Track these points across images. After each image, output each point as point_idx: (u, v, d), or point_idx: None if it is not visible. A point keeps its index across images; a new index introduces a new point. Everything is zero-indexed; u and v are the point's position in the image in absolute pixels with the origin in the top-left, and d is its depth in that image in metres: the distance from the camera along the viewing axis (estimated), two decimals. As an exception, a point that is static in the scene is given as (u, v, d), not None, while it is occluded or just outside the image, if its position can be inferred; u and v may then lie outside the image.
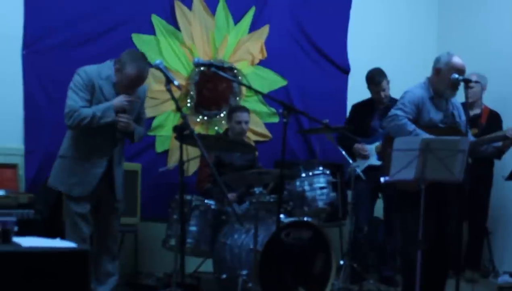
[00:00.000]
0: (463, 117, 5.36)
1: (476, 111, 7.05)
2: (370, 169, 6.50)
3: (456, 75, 5.15)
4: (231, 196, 5.94)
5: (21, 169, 6.27)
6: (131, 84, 4.97)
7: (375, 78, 6.77)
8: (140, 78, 4.98)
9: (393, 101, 6.61)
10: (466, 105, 5.34)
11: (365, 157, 6.63)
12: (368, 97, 6.94)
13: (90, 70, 5.01)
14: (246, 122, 6.43)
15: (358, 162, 6.58)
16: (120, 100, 4.96)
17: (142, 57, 5.04)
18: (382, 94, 6.73)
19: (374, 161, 6.67)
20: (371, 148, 6.70)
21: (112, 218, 5.19)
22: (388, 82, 6.77)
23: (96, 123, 4.89)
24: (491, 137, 5.50)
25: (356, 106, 7.06)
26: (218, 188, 5.89)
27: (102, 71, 5.02)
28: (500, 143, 5.44)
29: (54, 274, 2.78)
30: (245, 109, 6.48)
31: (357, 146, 6.66)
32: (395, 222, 6.65)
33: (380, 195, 6.86)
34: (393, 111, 5.27)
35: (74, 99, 4.93)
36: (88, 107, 4.93)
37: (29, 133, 6.34)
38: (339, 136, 6.70)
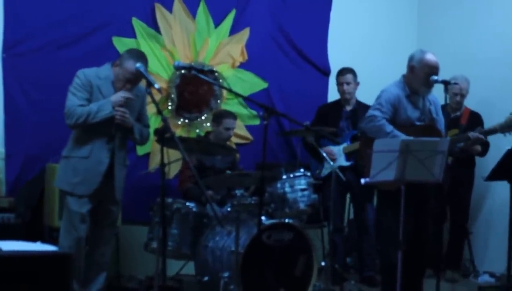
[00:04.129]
0: (440, 114, 5.41)
1: (457, 113, 7.10)
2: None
3: (435, 77, 5.19)
4: (210, 193, 5.96)
5: (2, 172, 6.25)
6: (130, 79, 5.06)
7: (342, 70, 6.96)
8: (139, 74, 5.04)
9: (360, 105, 6.71)
10: (446, 107, 5.38)
11: (333, 160, 6.65)
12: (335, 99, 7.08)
13: (88, 72, 5.14)
14: (233, 129, 6.48)
15: (325, 165, 6.61)
16: (118, 95, 5.04)
17: (143, 54, 5.17)
18: (346, 88, 6.83)
19: (342, 161, 6.72)
20: (339, 149, 6.76)
21: (105, 220, 5.27)
22: (355, 80, 6.91)
23: (93, 118, 4.98)
24: (455, 138, 5.58)
25: (322, 108, 7.12)
26: (199, 188, 5.91)
27: (100, 72, 5.16)
28: (462, 144, 5.51)
29: (35, 278, 2.77)
30: (235, 117, 6.51)
31: (325, 149, 6.69)
32: (366, 221, 6.71)
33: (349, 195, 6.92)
34: (370, 112, 5.30)
35: (71, 100, 5.05)
36: (85, 105, 5.02)
37: (9, 137, 6.31)
38: (303, 140, 6.75)
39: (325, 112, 7.03)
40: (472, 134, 5.48)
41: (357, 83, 6.95)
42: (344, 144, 6.75)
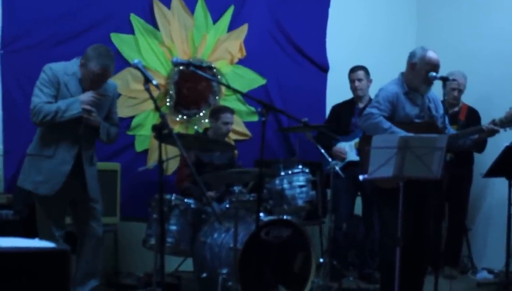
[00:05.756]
0: (441, 111, 5.38)
1: (455, 109, 7.11)
2: (350, 165, 6.57)
3: (434, 73, 5.17)
4: (210, 194, 5.96)
5: (0, 169, 6.24)
6: (94, 80, 4.95)
7: (353, 68, 7.00)
8: (103, 75, 4.97)
9: None
10: (444, 103, 5.37)
11: (343, 159, 6.70)
12: (347, 97, 7.06)
13: (56, 67, 4.99)
14: (232, 124, 6.47)
15: (337, 162, 6.63)
16: (87, 95, 4.93)
17: (107, 53, 5.00)
18: (357, 84, 6.87)
19: (353, 156, 6.74)
20: (351, 145, 6.78)
21: (88, 218, 5.13)
22: (367, 77, 6.95)
23: (61, 117, 4.85)
24: (469, 131, 5.55)
25: (335, 107, 7.16)
26: (197, 187, 5.90)
27: (68, 68, 5.01)
28: (476, 136, 5.49)
29: (33, 274, 2.77)
30: (232, 111, 6.52)
31: (335, 148, 6.76)
32: (374, 219, 6.71)
33: (359, 192, 6.93)
34: (368, 110, 5.29)
35: (38, 96, 4.92)
36: (54, 103, 4.90)
37: (7, 133, 6.32)
38: (318, 135, 6.74)
39: (338, 110, 7.08)
40: (486, 126, 5.42)
41: (369, 80, 6.97)
42: (356, 140, 6.76)
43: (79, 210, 5.15)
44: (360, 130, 6.63)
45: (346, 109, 7.00)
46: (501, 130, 5.44)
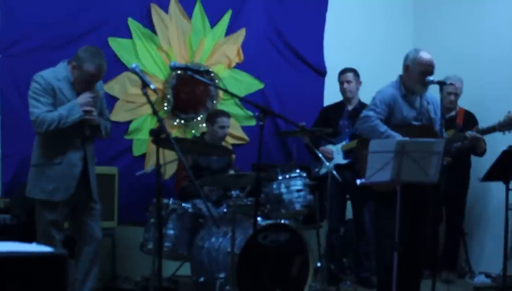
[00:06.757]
0: (439, 112, 5.39)
1: (452, 113, 7.12)
2: (336, 168, 6.57)
3: (431, 78, 5.18)
4: (208, 189, 5.96)
5: (-2, 173, 6.25)
6: (90, 80, 4.98)
7: (343, 70, 7.03)
8: (99, 75, 4.99)
9: (362, 105, 6.74)
10: (442, 108, 5.38)
11: (329, 159, 6.71)
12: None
13: (46, 74, 4.99)
14: (228, 127, 6.48)
15: (323, 164, 6.64)
16: (84, 97, 4.95)
17: (99, 52, 5.02)
18: (346, 86, 6.92)
19: (340, 159, 6.75)
20: (338, 147, 6.78)
21: (88, 218, 5.13)
22: (357, 79, 6.99)
23: (64, 123, 4.86)
24: (452, 138, 5.58)
25: (324, 109, 7.20)
26: (194, 187, 5.90)
27: (58, 73, 5.01)
28: (459, 144, 5.52)
29: (30, 279, 2.77)
30: (228, 115, 6.54)
31: (322, 148, 6.75)
32: (364, 222, 6.72)
33: (348, 195, 6.93)
34: (365, 112, 5.31)
35: (37, 106, 4.90)
36: (53, 110, 4.91)
37: (5, 138, 6.32)
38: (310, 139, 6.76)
39: (327, 112, 7.11)
40: (469, 133, 5.46)
41: (359, 82, 6.99)
42: (343, 143, 6.78)
43: (79, 210, 5.14)
44: (347, 133, 6.69)
45: (334, 111, 7.02)
46: (500, 134, 5.47)
